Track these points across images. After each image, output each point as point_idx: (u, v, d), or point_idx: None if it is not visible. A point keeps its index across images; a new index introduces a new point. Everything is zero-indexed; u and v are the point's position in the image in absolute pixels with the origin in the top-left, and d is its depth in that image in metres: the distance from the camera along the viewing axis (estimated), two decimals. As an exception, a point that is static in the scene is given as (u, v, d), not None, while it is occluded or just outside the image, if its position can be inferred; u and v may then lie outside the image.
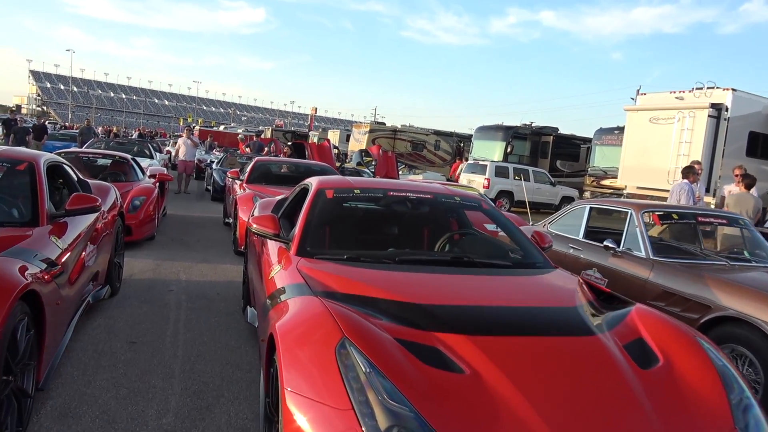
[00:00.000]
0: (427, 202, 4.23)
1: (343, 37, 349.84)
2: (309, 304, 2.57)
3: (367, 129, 33.83)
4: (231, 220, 9.35)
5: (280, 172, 9.69)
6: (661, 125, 14.28)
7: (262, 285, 3.55)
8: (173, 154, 15.17)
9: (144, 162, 13.02)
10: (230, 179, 9.77)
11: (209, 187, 15.68)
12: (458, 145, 34.54)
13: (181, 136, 18.04)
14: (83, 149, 9.28)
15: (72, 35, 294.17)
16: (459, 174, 22.62)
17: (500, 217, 4.24)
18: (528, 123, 25.35)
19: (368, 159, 17.69)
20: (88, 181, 5.59)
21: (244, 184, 8.77)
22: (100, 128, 43.65)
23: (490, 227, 5.40)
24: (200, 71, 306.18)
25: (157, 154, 16.27)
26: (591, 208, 5.68)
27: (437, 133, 34.38)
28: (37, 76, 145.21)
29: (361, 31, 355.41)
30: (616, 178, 19.73)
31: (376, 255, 3.45)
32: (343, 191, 4.08)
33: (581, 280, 3.36)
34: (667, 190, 14.03)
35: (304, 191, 4.43)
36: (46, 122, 22.77)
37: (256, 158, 9.62)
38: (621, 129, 20.53)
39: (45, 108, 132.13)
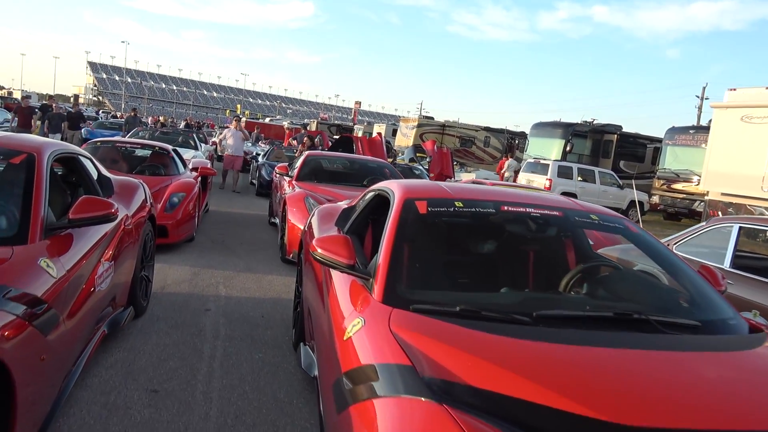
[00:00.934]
0: (555, 221, 3.05)
1: (389, 31, 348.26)
2: (433, 418, 1.55)
3: (415, 123, 32.66)
4: (277, 221, 8.37)
5: (333, 168, 8.64)
6: (756, 125, 12.64)
7: (332, 344, 2.38)
8: (218, 145, 14.06)
9: (188, 153, 12.23)
10: (278, 175, 8.76)
11: (254, 181, 14.81)
12: (509, 142, 33.05)
13: (227, 127, 16.99)
14: (121, 139, 8.44)
15: (128, 27, 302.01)
16: (504, 172, 21.25)
17: (657, 245, 2.99)
18: (589, 120, 23.67)
19: (421, 155, 16.54)
20: (115, 177, 4.64)
21: (294, 182, 7.76)
22: (150, 118, 43.80)
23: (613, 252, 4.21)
24: (248, 64, 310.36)
25: (203, 145, 15.47)
26: (740, 227, 4.37)
27: (487, 129, 32.95)
28: (94, 67, 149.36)
29: (408, 25, 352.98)
30: (689, 181, 18.05)
31: (502, 306, 2.33)
32: (440, 204, 2.95)
33: None
34: (762, 198, 12.48)
35: (381, 200, 3.32)
36: (100, 111, 22.29)
37: (307, 152, 8.59)
38: (697, 128, 18.79)
39: (101, 98, 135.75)
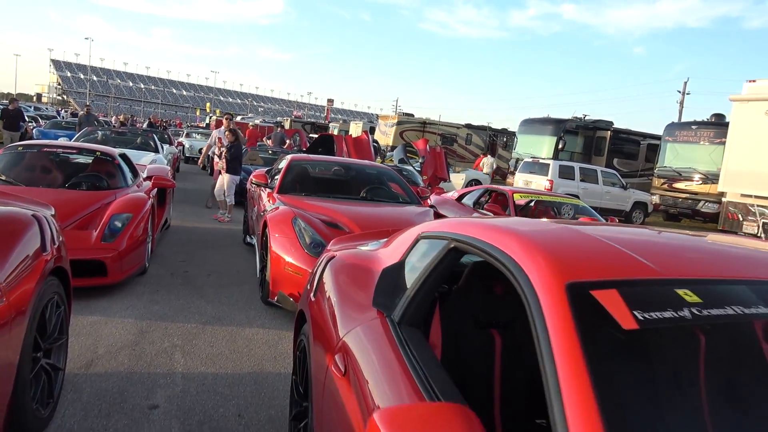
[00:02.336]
0: None
1: (361, 28, 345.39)
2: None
3: (395, 121, 31.01)
4: (254, 243, 6.65)
5: (323, 176, 6.93)
6: (784, 119, 11.34)
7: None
8: (204, 151, 11.70)
9: (146, 157, 10.35)
10: (254, 185, 7.00)
11: (226, 187, 12.99)
12: (492, 140, 31.69)
13: (197, 126, 14.84)
14: (50, 142, 6.55)
15: (93, 24, 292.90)
16: (482, 168, 19.80)
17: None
18: (579, 116, 22.35)
19: (411, 155, 14.90)
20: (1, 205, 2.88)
21: (276, 194, 6.04)
22: (114, 117, 41.10)
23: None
24: (219, 62, 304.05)
25: (165, 146, 13.52)
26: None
27: (469, 126, 31.51)
28: (57, 65, 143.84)
29: (380, 22, 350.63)
30: (691, 180, 16.82)
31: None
32: (653, 297, 1.28)
33: None
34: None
35: (479, 267, 1.69)
36: (62, 110, 19.49)
37: (291, 156, 6.84)
38: (699, 124, 17.53)
39: (65, 97, 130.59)
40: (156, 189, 6.52)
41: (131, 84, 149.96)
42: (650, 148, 21.91)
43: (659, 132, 18.82)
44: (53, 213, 3.23)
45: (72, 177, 5.96)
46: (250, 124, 32.63)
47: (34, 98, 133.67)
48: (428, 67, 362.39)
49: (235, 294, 5.39)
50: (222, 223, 9.25)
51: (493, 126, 32.59)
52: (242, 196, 11.21)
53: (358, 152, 12.67)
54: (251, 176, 7.53)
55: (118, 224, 5.08)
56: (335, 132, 36.24)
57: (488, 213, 7.55)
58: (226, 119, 11.20)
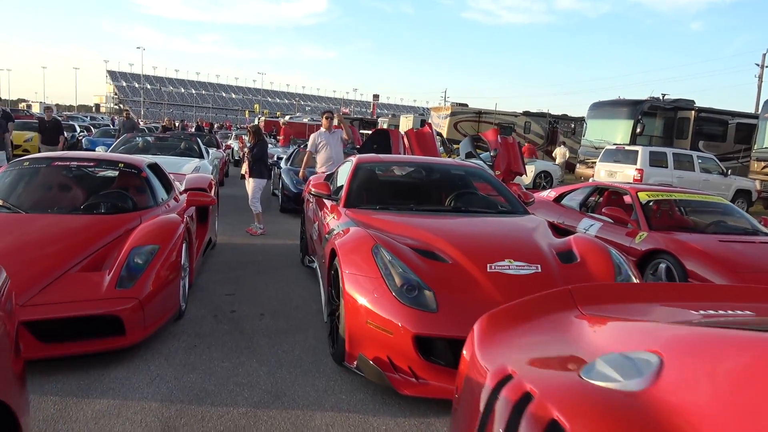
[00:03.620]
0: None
1: (404, 22, 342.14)
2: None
3: (448, 112, 29.32)
4: (316, 267, 5.29)
5: (400, 181, 5.46)
6: None
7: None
8: (302, 167, 10.15)
9: (189, 164, 9.17)
10: (312, 195, 5.53)
11: (276, 192, 11.71)
12: (552, 127, 29.59)
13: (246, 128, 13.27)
14: (67, 154, 5.33)
15: (145, 34, 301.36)
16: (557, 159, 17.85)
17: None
18: (655, 96, 20.13)
19: (480, 149, 13.29)
20: None
21: (342, 208, 4.62)
22: (165, 120, 40.90)
23: None
24: (265, 63, 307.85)
25: (212, 151, 12.37)
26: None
27: (527, 114, 29.52)
28: (113, 75, 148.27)
29: (422, 14, 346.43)
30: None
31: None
32: None
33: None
34: None
35: None
36: (115, 117, 18.23)
37: (357, 158, 5.38)
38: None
39: (122, 106, 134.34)
40: (190, 207, 5.22)
41: (183, 90, 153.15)
42: (740, 128, 19.55)
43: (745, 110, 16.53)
44: (3, 278, 1.89)
45: (88, 197, 4.71)
46: (281, 121, 30.85)
47: (93, 108, 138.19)
48: (475, 57, 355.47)
49: (297, 347, 4.00)
50: (259, 236, 7.94)
51: (552, 113, 30.38)
52: (295, 202, 9.93)
53: (421, 148, 11.18)
54: (309, 183, 6.15)
55: (140, 261, 3.77)
56: (384, 126, 34.87)
57: (606, 219, 5.93)
58: (326, 119, 8.39)
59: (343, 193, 4.83)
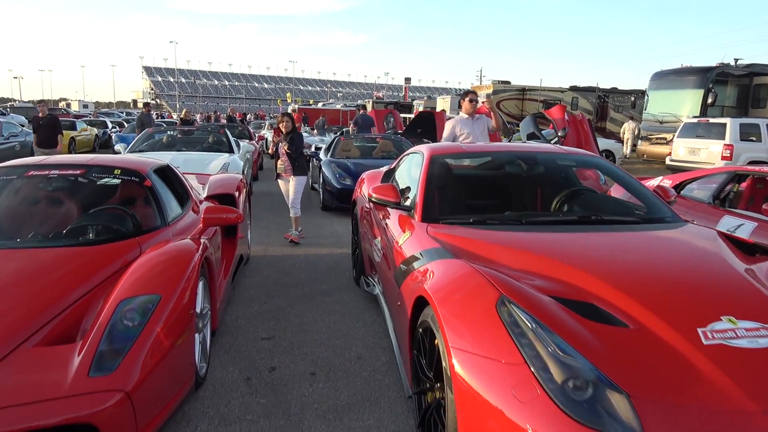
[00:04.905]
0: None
1: (432, 1, 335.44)
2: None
3: (490, 91, 27.42)
4: (376, 292, 3.94)
5: (490, 179, 3.98)
6: None
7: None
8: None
9: (218, 161, 7.91)
10: (370, 200, 4.00)
11: (316, 186, 10.38)
12: (603, 101, 27.50)
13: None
14: (50, 159, 4.06)
15: (178, 27, 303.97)
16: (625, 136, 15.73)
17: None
18: (725, 62, 18.00)
19: (543, 126, 11.67)
20: None
21: (420, 223, 3.21)
22: (198, 115, 40.05)
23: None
24: (295, 52, 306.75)
25: (244, 143, 11.09)
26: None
27: (575, 89, 27.51)
28: (149, 71, 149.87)
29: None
30: None
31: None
32: None
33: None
34: None
35: None
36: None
37: (429, 151, 3.90)
38: None
39: (158, 100, 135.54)
40: (209, 226, 3.89)
41: (216, 82, 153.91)
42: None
43: None
44: None
45: (71, 219, 3.43)
46: (291, 108, 28.31)
47: (131, 104, 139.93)
48: (509, 34, 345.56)
49: (369, 442, 2.66)
50: (301, 246, 6.60)
51: (601, 87, 28.24)
52: (339, 200, 8.59)
53: (580, 135, 9.74)
54: (365, 186, 4.77)
55: (130, 323, 2.46)
56: (420, 109, 33.20)
57: (766, 217, 4.37)
58: (469, 101, 6.37)
59: (417, 200, 3.41)
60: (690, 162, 11.92)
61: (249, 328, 3.98)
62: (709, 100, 16.29)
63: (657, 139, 17.09)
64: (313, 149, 11.80)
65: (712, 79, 16.52)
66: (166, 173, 4.18)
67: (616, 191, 4.63)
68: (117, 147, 9.28)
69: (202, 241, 3.33)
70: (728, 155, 10.93)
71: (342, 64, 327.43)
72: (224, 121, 21.49)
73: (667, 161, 12.66)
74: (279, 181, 6.89)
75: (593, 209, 3.56)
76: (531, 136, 10.72)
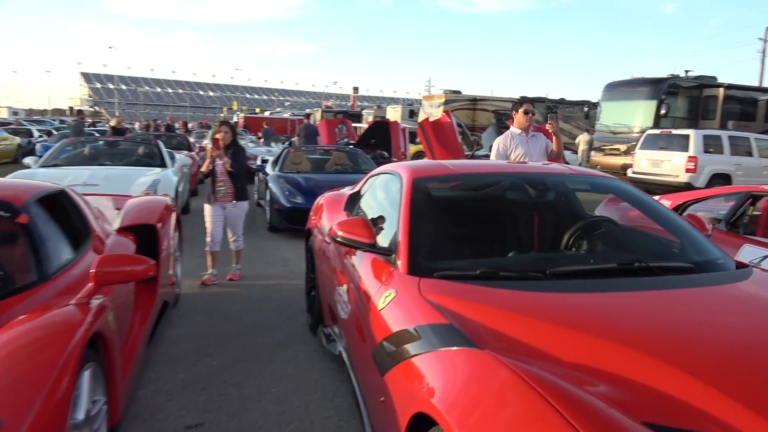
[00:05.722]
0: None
1: (381, 13, 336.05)
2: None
3: (442, 100, 26.95)
4: (339, 350, 3.01)
5: (489, 203, 3.05)
6: None
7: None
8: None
9: (144, 179, 6.76)
10: (335, 239, 2.77)
11: (262, 203, 9.30)
12: (552, 112, 27.47)
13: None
14: None
15: (117, 33, 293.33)
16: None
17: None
18: (676, 74, 18.04)
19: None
20: None
21: (408, 277, 2.29)
22: (137, 123, 37.71)
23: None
24: (242, 60, 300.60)
25: (181, 155, 9.84)
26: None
27: (524, 99, 27.35)
28: (87, 77, 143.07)
29: (399, 4, 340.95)
30: None
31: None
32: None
33: None
34: None
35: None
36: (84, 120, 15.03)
37: (409, 171, 2.99)
38: None
39: (97, 108, 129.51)
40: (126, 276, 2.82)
41: (159, 89, 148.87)
42: (771, 105, 17.57)
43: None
44: None
45: None
46: (238, 115, 25.83)
47: (68, 112, 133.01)
48: (457, 46, 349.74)
49: None
50: (263, 271, 5.58)
51: (550, 98, 28.28)
52: (288, 220, 7.57)
53: (441, 142, 8.91)
54: (325, 215, 3.82)
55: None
56: (369, 119, 32.45)
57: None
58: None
59: (400, 241, 2.48)
60: (653, 174, 11.55)
61: (170, 410, 2.95)
62: (662, 112, 16.17)
63: (611, 150, 16.91)
64: (259, 162, 10.72)
65: (664, 90, 16.43)
66: (58, 202, 3.10)
67: (608, 208, 3.88)
68: (26, 160, 7.91)
69: (93, 305, 2.29)
70: (692, 167, 10.59)
71: (290, 72, 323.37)
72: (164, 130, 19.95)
73: (630, 173, 12.29)
74: (208, 206, 5.35)
75: (623, 248, 2.75)
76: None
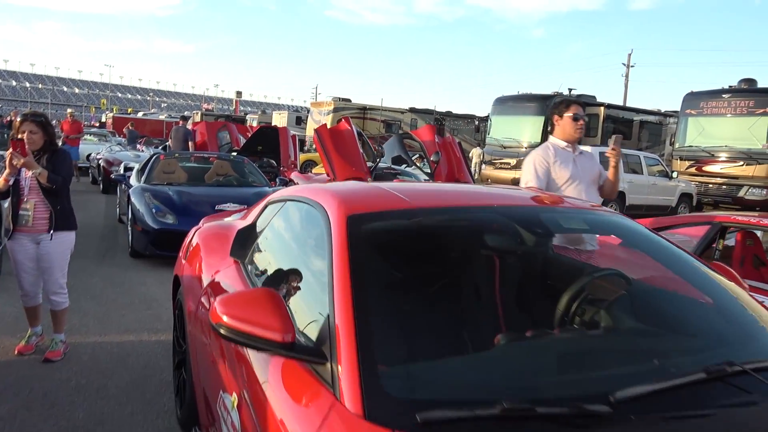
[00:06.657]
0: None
1: (266, 17, 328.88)
2: None
3: (331, 108, 26.00)
4: None
5: (472, 260, 1.95)
6: None
7: None
8: None
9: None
10: (218, 330, 1.38)
11: (123, 218, 7.58)
12: (439, 124, 27.53)
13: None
14: None
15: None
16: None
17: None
18: (559, 91, 18.53)
19: (411, 150, 10.14)
20: None
21: (362, 423, 1.15)
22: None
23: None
24: (114, 56, 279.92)
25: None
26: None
27: (414, 111, 27.26)
28: None
29: (285, 11, 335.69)
30: (733, 161, 13.25)
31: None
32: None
33: None
34: None
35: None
36: None
37: (340, 202, 1.93)
38: (733, 91, 14.04)
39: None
40: None
41: (15, 83, 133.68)
42: (643, 126, 18.63)
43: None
44: None
45: None
46: (68, 112, 22.75)
47: None
48: (343, 56, 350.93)
49: None
50: (121, 311, 4.13)
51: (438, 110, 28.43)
52: (155, 245, 6.05)
53: (341, 152, 7.81)
54: (204, 264, 2.58)
55: None
56: (253, 124, 30.61)
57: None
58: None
59: (341, 341, 1.34)
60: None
61: None
62: (550, 128, 16.34)
63: (501, 164, 16.91)
64: (122, 170, 8.92)
65: (551, 106, 16.66)
66: None
67: (608, 252, 3.02)
68: None
69: None
70: (590, 185, 10.46)
71: (167, 73, 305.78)
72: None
73: (703, 214, 12.23)
74: (11, 243, 3.55)
75: (663, 325, 1.83)
76: (398, 160, 9.12)
